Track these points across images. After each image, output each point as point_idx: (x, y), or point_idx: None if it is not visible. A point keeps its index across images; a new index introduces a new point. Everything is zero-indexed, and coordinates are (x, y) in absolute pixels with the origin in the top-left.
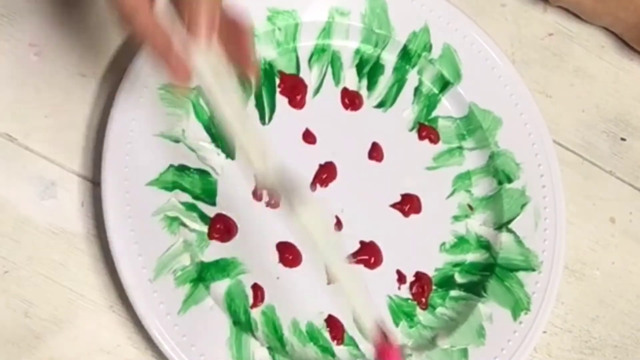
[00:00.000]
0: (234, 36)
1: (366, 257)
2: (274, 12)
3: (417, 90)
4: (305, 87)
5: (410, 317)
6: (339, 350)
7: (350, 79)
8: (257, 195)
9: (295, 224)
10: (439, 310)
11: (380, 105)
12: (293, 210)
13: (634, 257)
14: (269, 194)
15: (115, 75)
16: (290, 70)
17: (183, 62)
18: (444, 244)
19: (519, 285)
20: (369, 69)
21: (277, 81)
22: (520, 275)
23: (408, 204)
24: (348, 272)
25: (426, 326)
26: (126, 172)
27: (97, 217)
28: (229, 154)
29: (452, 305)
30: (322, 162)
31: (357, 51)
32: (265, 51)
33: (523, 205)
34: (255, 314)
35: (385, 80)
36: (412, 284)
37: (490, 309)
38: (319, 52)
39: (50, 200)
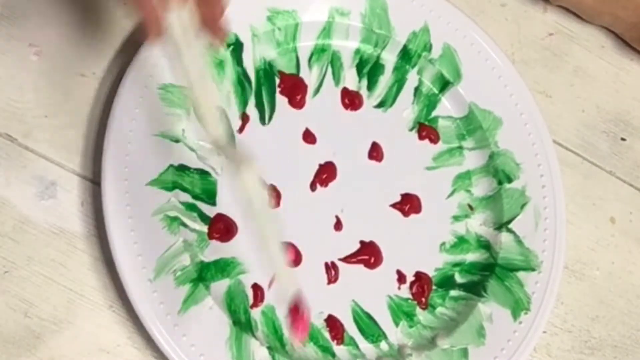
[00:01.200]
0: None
1: (366, 257)
2: (274, 12)
3: (417, 90)
4: (305, 87)
5: (410, 317)
6: (339, 350)
7: (350, 79)
8: None
9: (236, 185)
10: (439, 310)
11: (380, 105)
12: (237, 171)
13: (634, 257)
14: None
15: (115, 76)
16: (290, 70)
17: (157, 15)
18: (444, 243)
19: (519, 285)
20: (369, 69)
21: (277, 81)
22: (520, 275)
23: (408, 204)
24: (277, 247)
25: (426, 326)
26: (126, 172)
27: (97, 217)
28: None
29: (452, 305)
30: (322, 162)
31: (357, 51)
32: (265, 51)
33: (523, 205)
34: (255, 314)
35: (385, 80)
36: (412, 284)
37: (490, 309)
38: (319, 52)
39: (50, 200)
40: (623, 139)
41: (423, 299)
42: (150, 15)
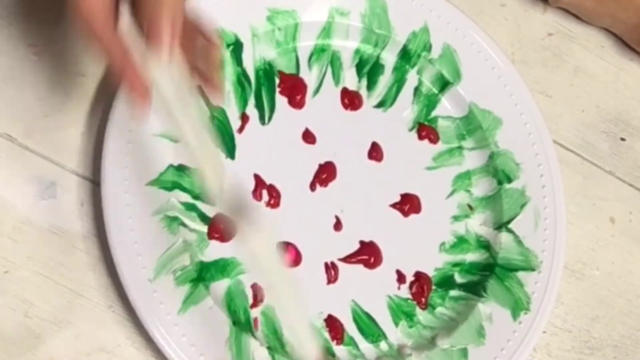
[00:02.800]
0: (202, 50)
1: (366, 257)
2: (274, 12)
3: (416, 90)
4: (305, 87)
5: (410, 317)
6: (339, 350)
7: (350, 79)
8: (256, 195)
9: (244, 248)
10: (439, 310)
11: (380, 105)
12: (242, 234)
13: (633, 257)
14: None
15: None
16: (290, 70)
17: (141, 77)
18: (443, 243)
19: (518, 285)
20: (369, 69)
21: (277, 81)
22: (520, 275)
23: (408, 204)
24: (295, 306)
25: (426, 326)
26: (126, 172)
27: (97, 217)
28: (229, 154)
29: (451, 305)
30: (322, 162)
31: (357, 51)
32: (265, 51)
33: (523, 205)
34: (255, 314)
35: (385, 80)
36: (411, 284)
37: (490, 309)
38: (318, 52)
39: (50, 200)
40: (623, 139)
41: (423, 299)
42: (133, 79)
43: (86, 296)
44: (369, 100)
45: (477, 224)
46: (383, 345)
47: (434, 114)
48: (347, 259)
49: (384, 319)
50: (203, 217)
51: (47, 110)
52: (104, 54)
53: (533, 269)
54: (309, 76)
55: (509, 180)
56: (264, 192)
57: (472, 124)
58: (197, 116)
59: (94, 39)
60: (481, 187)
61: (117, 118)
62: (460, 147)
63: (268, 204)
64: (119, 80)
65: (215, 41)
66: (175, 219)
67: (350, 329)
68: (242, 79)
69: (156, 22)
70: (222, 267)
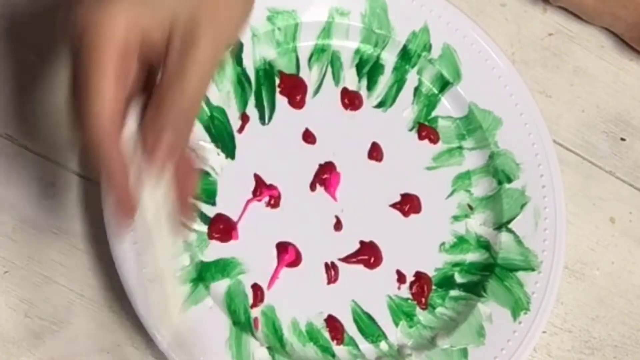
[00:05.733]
0: (181, 174)
1: (366, 257)
2: (274, 12)
3: (416, 90)
4: (305, 87)
5: (410, 317)
6: (339, 350)
7: (350, 79)
8: (257, 195)
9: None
10: (439, 310)
11: (380, 105)
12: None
13: (634, 257)
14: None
15: None
16: (290, 70)
17: (131, 196)
18: (443, 243)
19: (518, 285)
20: (369, 69)
21: (277, 81)
22: (520, 275)
23: (408, 204)
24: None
25: (426, 326)
26: None
27: (97, 217)
28: (229, 154)
29: (452, 305)
30: (322, 162)
31: (357, 51)
32: (265, 51)
33: (523, 205)
34: (255, 314)
35: (385, 80)
36: (412, 284)
37: (490, 309)
38: (318, 52)
39: (50, 200)
40: (623, 139)
41: (423, 299)
42: (123, 194)
43: (86, 296)
44: (369, 100)
45: (477, 224)
46: (383, 345)
47: (434, 114)
48: (347, 259)
49: (384, 319)
50: (203, 217)
51: (47, 110)
52: (101, 162)
53: (533, 269)
54: (309, 76)
55: (509, 180)
56: (264, 192)
57: (472, 124)
58: (171, 243)
59: (94, 144)
60: (481, 187)
61: None
62: (460, 147)
63: (268, 204)
64: (106, 187)
65: (195, 170)
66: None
67: (350, 329)
68: (242, 79)
69: (163, 138)
70: (222, 267)
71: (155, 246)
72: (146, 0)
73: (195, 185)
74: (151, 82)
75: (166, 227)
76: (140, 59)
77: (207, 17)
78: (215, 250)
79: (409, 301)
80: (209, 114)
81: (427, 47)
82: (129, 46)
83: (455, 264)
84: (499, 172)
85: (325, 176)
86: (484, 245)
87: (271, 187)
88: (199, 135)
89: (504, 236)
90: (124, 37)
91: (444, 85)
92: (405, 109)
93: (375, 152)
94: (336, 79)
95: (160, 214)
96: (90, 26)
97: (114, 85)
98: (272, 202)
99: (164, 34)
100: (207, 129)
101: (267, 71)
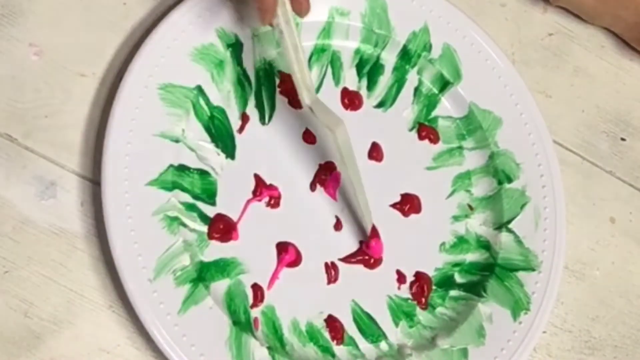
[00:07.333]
0: None
1: (366, 257)
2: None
3: (417, 90)
4: None
5: (410, 317)
6: (339, 350)
7: (350, 79)
8: (257, 195)
9: (332, 143)
10: (439, 310)
11: (380, 105)
12: (331, 131)
13: (634, 257)
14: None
15: (115, 75)
16: (290, 70)
17: (272, 6)
18: (443, 243)
19: (518, 285)
20: (369, 69)
21: (277, 81)
22: (520, 275)
23: (408, 204)
24: (361, 185)
25: (426, 326)
26: (126, 172)
27: (97, 217)
28: (229, 154)
29: (452, 305)
30: (322, 162)
31: (357, 51)
32: (265, 51)
33: (523, 205)
34: (255, 314)
35: (385, 80)
36: (412, 284)
37: (490, 309)
38: (319, 52)
39: (50, 200)
40: (623, 139)
41: (423, 299)
42: (267, 5)
43: (86, 296)
44: (369, 100)
45: (477, 224)
46: (383, 345)
47: (434, 114)
48: (347, 259)
49: (384, 319)
50: (203, 217)
51: (47, 110)
52: None
53: (533, 269)
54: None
55: (509, 180)
56: (264, 192)
57: (472, 124)
58: (295, 36)
59: None
60: (481, 187)
61: (117, 118)
62: (460, 147)
63: (268, 204)
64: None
65: None
66: (175, 219)
67: (351, 329)
68: (242, 79)
69: None
70: (222, 267)
71: (286, 39)
72: None
73: None
74: None
75: (290, 25)
76: None
77: None
78: (215, 250)
79: (409, 301)
80: (209, 114)
81: (427, 47)
82: None
83: (455, 264)
84: (499, 172)
85: (325, 176)
86: (484, 245)
87: (271, 187)
88: (199, 136)
89: (504, 236)
90: None
91: (444, 85)
92: (405, 109)
93: (375, 152)
94: (336, 79)
95: (286, 17)
96: None
97: None
98: (272, 202)
99: None
100: (207, 129)
101: (267, 71)
